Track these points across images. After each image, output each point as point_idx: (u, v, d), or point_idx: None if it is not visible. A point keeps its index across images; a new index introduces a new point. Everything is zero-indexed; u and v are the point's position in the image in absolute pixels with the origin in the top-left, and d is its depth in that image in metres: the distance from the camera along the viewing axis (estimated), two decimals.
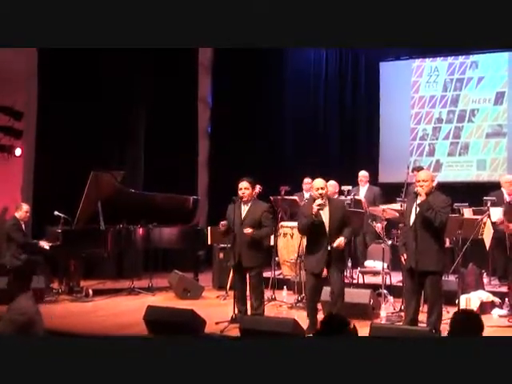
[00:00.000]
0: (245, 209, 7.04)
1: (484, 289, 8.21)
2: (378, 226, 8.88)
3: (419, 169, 9.22)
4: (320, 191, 6.61)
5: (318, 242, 6.62)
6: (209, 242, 9.64)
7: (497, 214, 8.31)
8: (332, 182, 9.21)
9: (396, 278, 8.43)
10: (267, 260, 7.93)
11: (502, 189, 9.10)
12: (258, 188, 9.45)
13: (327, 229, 6.58)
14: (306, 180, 10.02)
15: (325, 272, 6.65)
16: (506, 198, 8.84)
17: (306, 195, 9.55)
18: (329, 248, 6.54)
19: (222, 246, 9.38)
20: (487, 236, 7.77)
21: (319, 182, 6.71)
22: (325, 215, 6.61)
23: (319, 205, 6.51)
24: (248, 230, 6.85)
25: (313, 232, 6.69)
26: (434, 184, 6.54)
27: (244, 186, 7.01)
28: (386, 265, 8.27)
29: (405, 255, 6.40)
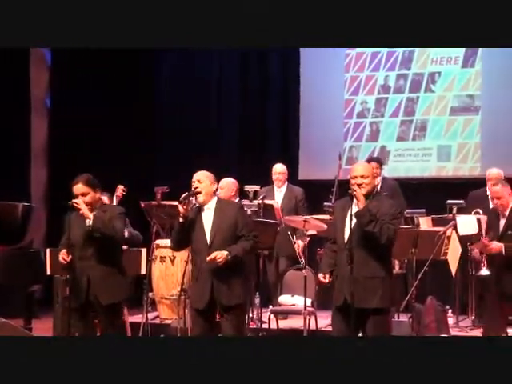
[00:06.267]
0: (89, 219, 6.86)
1: (449, 333, 8.38)
2: (299, 244, 8.96)
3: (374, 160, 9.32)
4: (196, 184, 6.75)
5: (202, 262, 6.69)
6: (48, 272, 9.35)
7: (467, 224, 8.32)
8: (227, 181, 8.84)
9: (325, 321, 8.51)
10: (135, 295, 7.95)
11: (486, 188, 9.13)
12: (119, 190, 9.47)
13: (208, 241, 6.65)
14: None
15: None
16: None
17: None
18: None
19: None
20: (453, 257, 7.96)
21: (199, 173, 6.86)
22: (207, 221, 6.71)
23: (182, 201, 6.61)
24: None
25: (194, 246, 6.79)
26: (378, 182, 6.56)
27: (80, 190, 6.89)
28: (309, 301, 8.34)
29: (327, 276, 6.50)
